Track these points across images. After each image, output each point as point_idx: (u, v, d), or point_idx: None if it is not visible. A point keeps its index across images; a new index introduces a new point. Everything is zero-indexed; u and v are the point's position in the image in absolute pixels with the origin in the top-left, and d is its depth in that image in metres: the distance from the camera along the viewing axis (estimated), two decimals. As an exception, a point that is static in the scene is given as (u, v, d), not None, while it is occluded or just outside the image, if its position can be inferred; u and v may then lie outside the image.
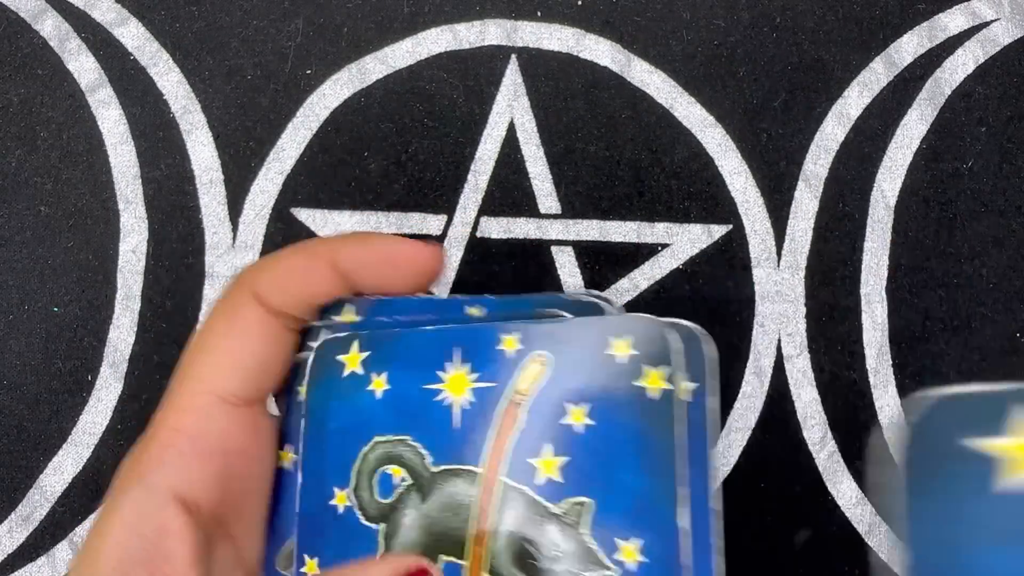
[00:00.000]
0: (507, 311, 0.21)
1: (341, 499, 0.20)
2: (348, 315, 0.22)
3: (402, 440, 0.20)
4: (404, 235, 0.34)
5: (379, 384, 0.20)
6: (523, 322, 0.20)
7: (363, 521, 0.20)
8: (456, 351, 0.20)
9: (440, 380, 0.20)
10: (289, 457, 0.23)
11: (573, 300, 0.21)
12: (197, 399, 0.21)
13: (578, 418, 0.19)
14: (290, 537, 0.22)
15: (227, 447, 0.21)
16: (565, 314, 0.21)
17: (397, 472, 0.20)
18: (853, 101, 0.35)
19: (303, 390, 0.22)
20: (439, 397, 0.19)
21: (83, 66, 0.35)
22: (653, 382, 0.19)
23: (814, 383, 0.33)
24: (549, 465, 0.19)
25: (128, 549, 0.19)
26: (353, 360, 0.21)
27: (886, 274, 0.34)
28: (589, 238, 0.34)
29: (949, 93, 0.35)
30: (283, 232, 0.34)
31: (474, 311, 0.21)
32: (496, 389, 0.19)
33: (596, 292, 0.24)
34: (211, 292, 0.34)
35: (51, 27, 0.36)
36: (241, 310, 0.22)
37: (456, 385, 0.19)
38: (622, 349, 0.19)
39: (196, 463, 0.21)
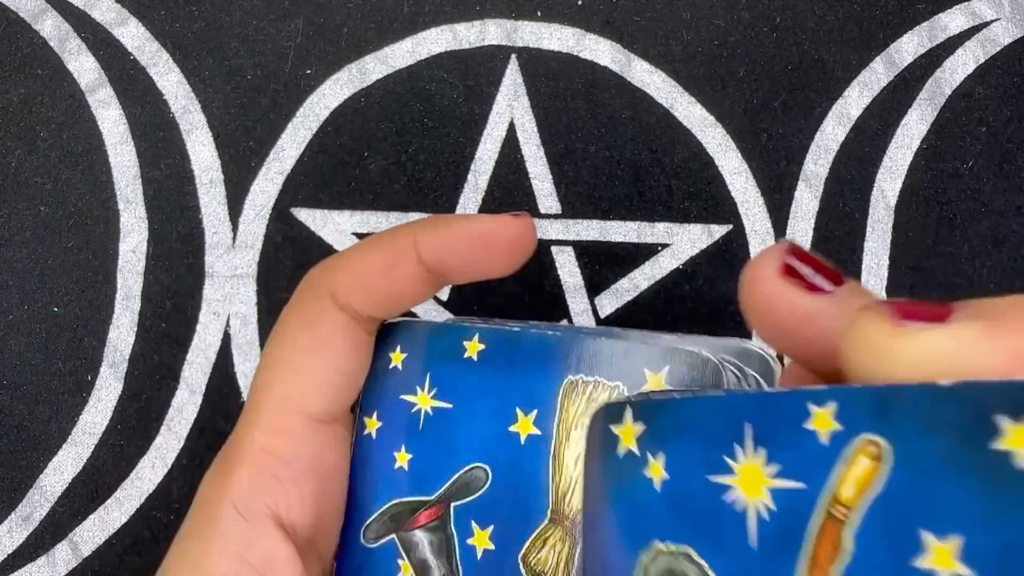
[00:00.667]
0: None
1: None
2: (474, 344, 0.22)
3: (686, 554, 0.14)
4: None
5: (657, 471, 0.14)
6: (838, 386, 0.12)
7: None
8: (747, 429, 0.13)
9: (730, 470, 0.13)
10: (373, 424, 0.22)
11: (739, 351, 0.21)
12: (287, 420, 0.20)
13: (943, 560, 0.10)
14: (377, 507, 0.21)
15: (319, 469, 0.20)
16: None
17: None
18: (853, 101, 0.35)
19: (394, 356, 0.22)
20: (729, 496, 0.13)
21: (83, 66, 0.35)
22: None
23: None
24: None
25: None
26: (628, 435, 0.15)
27: (886, 274, 0.34)
28: (589, 238, 0.34)
29: (949, 93, 0.35)
30: (283, 232, 0.34)
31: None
32: (805, 495, 0.12)
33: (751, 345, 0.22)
34: (211, 292, 0.34)
35: (51, 27, 0.35)
36: (323, 319, 0.20)
37: (750, 481, 0.13)
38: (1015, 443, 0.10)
39: (292, 488, 0.20)
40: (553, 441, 0.20)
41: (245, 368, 0.33)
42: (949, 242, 0.34)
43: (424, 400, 0.22)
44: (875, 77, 0.35)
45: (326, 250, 0.34)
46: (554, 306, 0.33)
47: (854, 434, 0.12)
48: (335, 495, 0.21)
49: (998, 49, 0.35)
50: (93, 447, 0.33)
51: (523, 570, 0.19)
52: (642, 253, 0.34)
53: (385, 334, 0.23)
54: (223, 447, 0.21)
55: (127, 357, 0.33)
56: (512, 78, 0.35)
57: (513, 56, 0.35)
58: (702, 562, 0.13)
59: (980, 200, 0.34)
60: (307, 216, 0.34)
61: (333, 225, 0.34)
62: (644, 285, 0.33)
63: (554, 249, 0.34)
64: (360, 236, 0.34)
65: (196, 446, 0.33)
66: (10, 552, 0.32)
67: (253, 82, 0.35)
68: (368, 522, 0.22)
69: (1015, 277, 0.33)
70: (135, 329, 0.34)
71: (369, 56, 0.35)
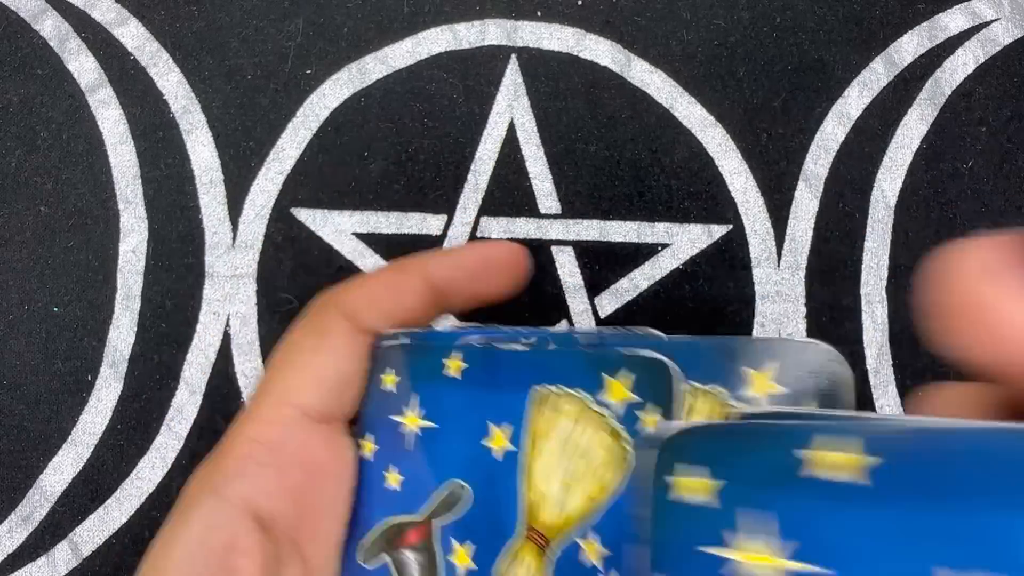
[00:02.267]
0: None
1: None
2: (455, 362, 0.22)
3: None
4: (408, 235, 0.34)
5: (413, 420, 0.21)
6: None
7: None
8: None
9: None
10: (370, 447, 0.22)
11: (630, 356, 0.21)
12: (279, 411, 0.21)
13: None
14: (372, 527, 0.22)
15: (306, 462, 0.21)
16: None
17: None
18: (853, 101, 0.35)
19: (386, 379, 0.22)
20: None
21: (83, 66, 0.35)
22: None
23: (814, 383, 0.33)
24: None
25: (193, 562, 0.19)
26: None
27: (886, 274, 0.34)
28: (589, 238, 0.34)
29: (949, 93, 0.35)
30: (283, 232, 0.34)
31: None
32: None
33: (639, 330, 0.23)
34: (211, 291, 0.34)
35: (51, 27, 0.35)
36: (331, 328, 0.22)
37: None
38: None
39: (274, 475, 0.20)
40: (523, 454, 0.20)
41: (245, 368, 0.33)
42: (949, 242, 0.34)
43: (412, 420, 0.22)
44: (875, 77, 0.35)
45: (326, 250, 0.34)
46: (554, 306, 0.33)
47: None
48: (322, 495, 0.21)
49: (998, 49, 0.35)
50: (93, 447, 0.33)
51: None
52: (642, 253, 0.34)
53: (379, 357, 0.23)
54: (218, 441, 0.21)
55: (127, 357, 0.33)
56: (512, 78, 0.35)
57: (513, 56, 0.35)
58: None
59: (980, 200, 0.34)
60: (307, 216, 0.34)
61: (333, 225, 0.34)
62: (644, 285, 0.33)
63: (554, 249, 0.34)
64: (360, 236, 0.34)
65: (196, 446, 0.33)
66: (10, 552, 0.32)
67: (253, 82, 0.35)
68: (363, 542, 0.22)
69: (1015, 277, 0.33)
70: (135, 329, 0.34)
71: (369, 56, 0.35)
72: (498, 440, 0.20)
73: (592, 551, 0.18)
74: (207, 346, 0.33)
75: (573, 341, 0.21)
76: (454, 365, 0.21)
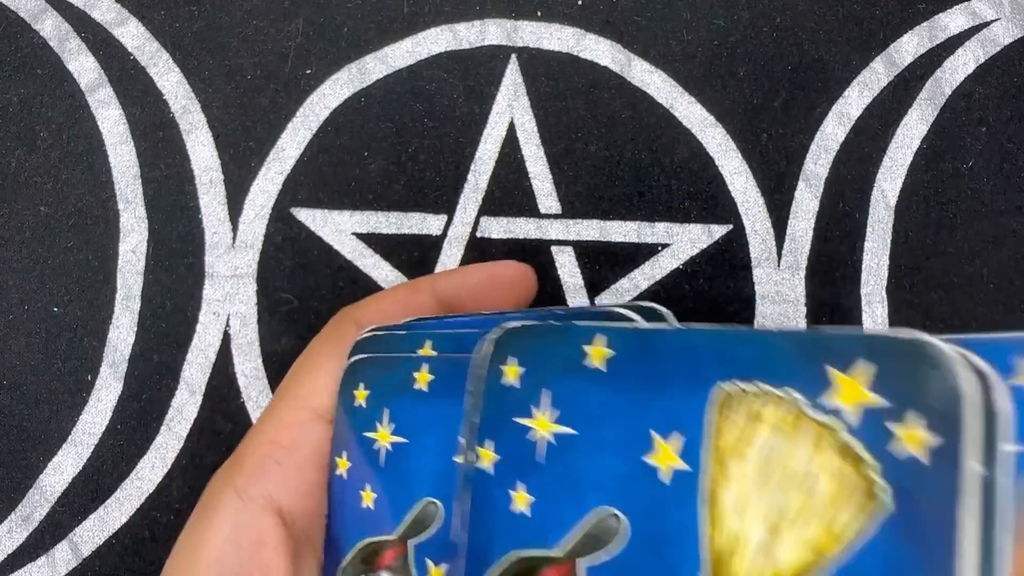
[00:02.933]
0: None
1: None
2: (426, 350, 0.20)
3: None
4: (408, 235, 0.34)
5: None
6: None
7: None
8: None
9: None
10: (344, 465, 0.22)
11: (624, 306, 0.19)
12: (296, 414, 0.21)
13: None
14: (349, 550, 0.21)
15: (322, 461, 0.21)
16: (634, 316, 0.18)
17: None
18: (853, 101, 0.35)
19: (358, 394, 0.21)
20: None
21: (83, 66, 0.35)
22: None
23: (814, 383, 0.33)
24: None
25: (225, 561, 0.19)
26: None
27: (886, 274, 0.34)
28: (589, 238, 0.34)
29: (949, 93, 0.35)
30: (283, 232, 0.34)
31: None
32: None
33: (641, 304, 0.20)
34: (211, 292, 0.34)
35: (51, 27, 0.35)
36: (345, 336, 0.22)
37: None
38: None
39: (294, 473, 0.21)
40: (705, 476, 0.15)
41: (245, 368, 0.33)
42: (949, 242, 0.34)
43: (544, 425, 0.17)
44: (875, 77, 0.35)
45: (326, 250, 0.34)
46: (554, 306, 0.33)
47: None
48: None
49: (998, 49, 0.35)
50: (93, 447, 0.33)
51: None
52: (642, 253, 0.34)
53: (351, 371, 0.21)
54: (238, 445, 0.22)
55: (127, 357, 0.33)
56: (512, 78, 0.35)
57: (513, 56, 0.35)
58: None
59: (980, 200, 0.34)
60: (307, 216, 0.34)
61: (333, 225, 0.34)
62: (644, 285, 0.33)
63: (554, 249, 0.34)
64: (360, 236, 0.34)
65: (196, 446, 0.33)
66: (10, 552, 0.32)
67: (253, 82, 0.35)
68: (343, 564, 0.21)
69: (1015, 277, 0.33)
70: (135, 329, 0.34)
71: (369, 56, 0.35)
72: (665, 456, 0.15)
73: None
74: (207, 346, 0.33)
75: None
76: (597, 353, 0.17)
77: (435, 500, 0.19)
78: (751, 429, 0.14)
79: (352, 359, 0.22)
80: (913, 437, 0.12)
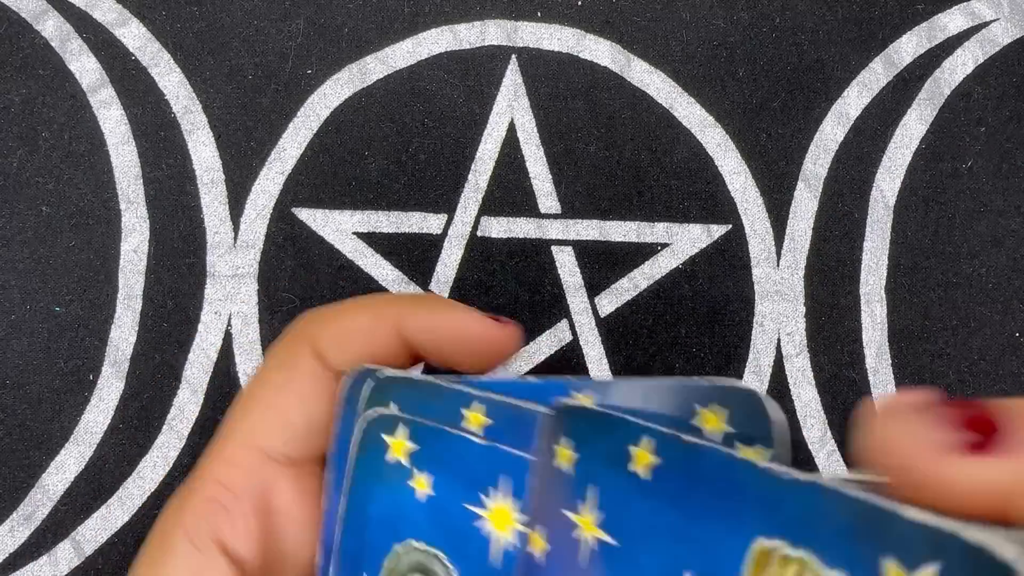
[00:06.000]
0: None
1: None
2: (476, 415, 0.18)
3: (437, 555, 0.17)
4: (409, 235, 0.34)
5: (422, 485, 0.17)
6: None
7: None
8: (505, 481, 0.16)
9: (483, 505, 0.16)
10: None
11: (711, 388, 0.16)
12: (244, 453, 0.21)
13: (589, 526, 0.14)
14: None
15: (270, 507, 0.20)
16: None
17: None
18: (853, 101, 0.35)
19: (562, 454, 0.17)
20: (479, 524, 0.16)
21: (84, 66, 0.35)
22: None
23: (813, 382, 0.33)
24: None
25: None
26: (399, 447, 0.18)
27: (885, 274, 0.34)
28: (589, 238, 0.34)
29: (948, 93, 0.35)
30: (284, 231, 0.34)
31: (583, 399, 0.17)
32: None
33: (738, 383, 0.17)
34: (213, 291, 0.34)
35: (52, 27, 0.36)
36: (299, 364, 0.21)
37: (500, 520, 0.16)
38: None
39: (240, 520, 0.20)
40: None
41: (246, 367, 0.34)
42: (948, 242, 0.34)
43: (588, 527, 0.15)
44: (874, 77, 0.35)
45: (327, 249, 0.34)
46: (554, 306, 0.33)
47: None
48: (289, 540, 0.21)
49: (997, 49, 0.35)
50: (95, 446, 0.33)
51: None
52: (642, 253, 0.34)
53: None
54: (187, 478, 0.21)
55: (129, 356, 0.34)
56: (512, 78, 0.35)
57: (513, 56, 0.35)
58: (449, 566, 0.17)
59: (979, 200, 0.34)
60: (308, 216, 0.34)
61: (334, 224, 0.34)
62: (644, 285, 0.33)
63: (554, 249, 0.34)
64: (361, 235, 0.34)
65: (198, 445, 0.33)
66: (12, 551, 0.32)
67: (254, 82, 0.35)
68: None
69: (1014, 277, 0.33)
70: (136, 328, 0.34)
71: (370, 56, 0.35)
72: None
73: None
74: (208, 345, 0.34)
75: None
76: (642, 458, 0.15)
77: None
78: None
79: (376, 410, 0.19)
80: None
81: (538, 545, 0.16)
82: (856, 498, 0.12)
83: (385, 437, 0.18)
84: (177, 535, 0.20)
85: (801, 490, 0.12)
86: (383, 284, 0.34)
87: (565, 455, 0.16)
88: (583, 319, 0.33)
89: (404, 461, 0.18)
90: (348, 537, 0.19)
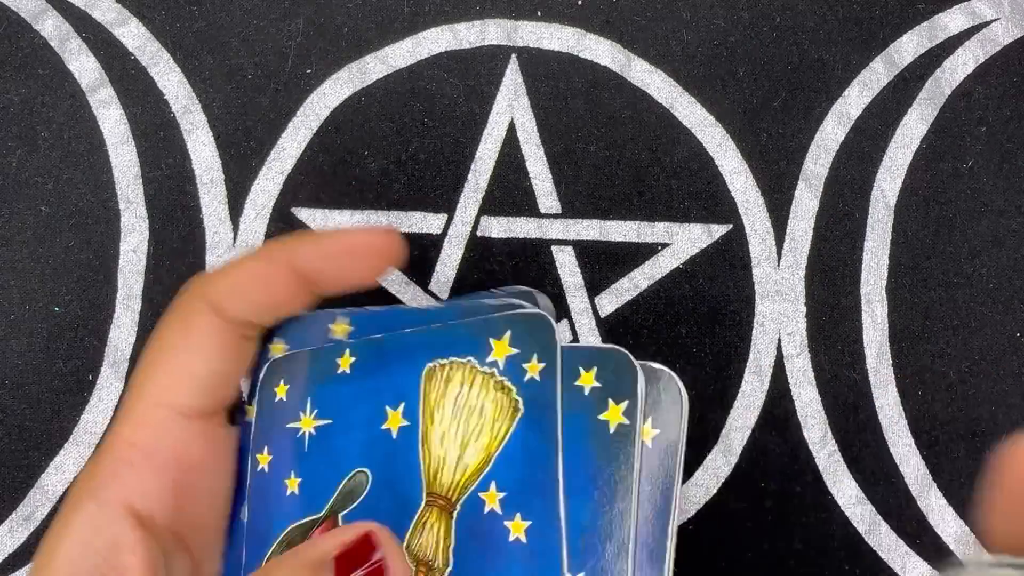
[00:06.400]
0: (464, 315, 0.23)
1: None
2: (341, 326, 0.23)
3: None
4: (404, 234, 0.34)
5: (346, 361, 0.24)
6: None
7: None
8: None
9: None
10: (266, 459, 0.23)
11: (499, 303, 0.23)
12: (152, 412, 0.21)
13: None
14: (274, 537, 0.22)
15: (183, 461, 0.21)
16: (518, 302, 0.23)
17: None
18: (853, 101, 0.35)
19: (279, 389, 0.23)
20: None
21: (84, 66, 0.35)
22: (613, 416, 0.20)
23: (814, 383, 0.33)
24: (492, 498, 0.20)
25: (80, 564, 0.19)
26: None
27: (886, 274, 0.34)
28: (589, 238, 0.34)
29: (949, 93, 0.35)
30: (284, 231, 0.34)
31: (338, 327, 0.24)
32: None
33: (521, 288, 0.26)
34: (212, 292, 0.34)
35: (51, 27, 0.36)
36: (195, 320, 0.21)
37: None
38: (587, 380, 0.21)
39: (150, 476, 0.20)
40: (420, 426, 0.21)
41: (246, 368, 0.34)
42: (949, 242, 0.34)
43: (307, 423, 0.22)
44: (875, 77, 0.35)
45: (326, 250, 0.34)
46: (554, 305, 0.33)
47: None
48: (203, 490, 0.22)
49: (998, 49, 0.35)
50: (94, 446, 0.33)
51: (408, 560, 0.20)
52: (642, 253, 0.34)
53: (272, 370, 0.24)
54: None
55: (128, 357, 0.34)
56: (512, 78, 0.35)
57: (513, 56, 0.35)
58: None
59: (980, 200, 0.34)
60: (308, 216, 0.34)
61: (334, 224, 0.34)
62: (644, 285, 0.33)
63: (554, 249, 0.34)
64: (360, 236, 0.34)
65: (197, 445, 0.33)
66: (11, 552, 0.32)
67: (253, 82, 0.35)
68: (268, 553, 0.22)
69: (1015, 277, 0.33)
70: (136, 329, 0.34)
71: (369, 56, 0.35)
72: (394, 420, 0.21)
73: (491, 499, 0.20)
74: (208, 346, 0.33)
75: (447, 313, 0.23)
76: (344, 362, 0.22)
77: (364, 469, 0.22)
78: (446, 388, 0.21)
79: (272, 357, 0.24)
80: (533, 367, 0.21)
81: (264, 460, 0.23)
82: (473, 320, 0.22)
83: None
84: (83, 495, 0.20)
85: (444, 331, 0.22)
86: (383, 284, 0.34)
87: (281, 389, 0.23)
88: (583, 319, 0.33)
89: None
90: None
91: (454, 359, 0.21)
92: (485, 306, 0.23)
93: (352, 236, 0.23)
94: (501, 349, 0.21)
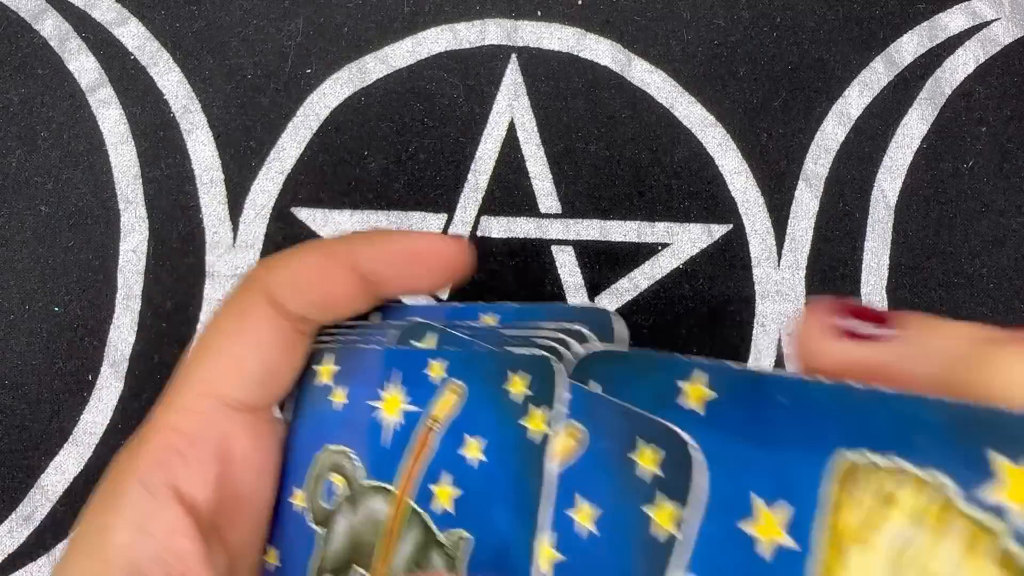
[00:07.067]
0: (521, 320, 0.20)
1: (299, 499, 0.21)
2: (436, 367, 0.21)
3: (345, 452, 0.20)
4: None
5: (339, 397, 0.21)
6: (458, 347, 0.19)
7: (309, 523, 0.21)
8: (396, 373, 0.20)
9: (380, 398, 0.20)
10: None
11: (581, 308, 0.20)
12: (200, 401, 0.21)
13: (473, 452, 0.18)
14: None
15: (227, 453, 0.21)
16: (575, 325, 0.19)
17: (339, 481, 0.20)
18: (853, 101, 0.35)
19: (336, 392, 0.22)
20: (376, 414, 0.20)
21: (83, 66, 0.35)
22: (536, 424, 0.17)
23: (814, 383, 0.33)
24: (444, 494, 0.18)
25: (139, 549, 0.19)
26: (325, 372, 0.21)
27: (886, 274, 0.34)
28: (589, 237, 0.34)
29: (949, 93, 0.35)
30: (283, 231, 0.34)
31: (488, 319, 0.20)
32: (420, 414, 0.19)
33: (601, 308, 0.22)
34: (212, 291, 0.34)
35: (51, 27, 0.36)
36: (252, 311, 0.21)
37: (391, 405, 0.20)
38: (518, 387, 0.17)
39: (196, 466, 0.20)
40: (815, 563, 0.12)
41: (246, 368, 0.34)
42: (949, 242, 0.34)
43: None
44: (875, 77, 0.35)
45: (326, 250, 0.34)
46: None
47: (451, 378, 0.19)
48: (244, 485, 0.21)
49: (998, 49, 0.35)
50: (94, 446, 0.33)
51: None
52: (642, 252, 0.34)
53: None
54: (140, 426, 0.21)
55: (128, 356, 0.34)
56: (512, 78, 0.35)
57: (513, 56, 0.35)
58: (354, 458, 0.20)
59: (980, 200, 0.34)
60: (307, 215, 0.34)
61: (334, 224, 0.34)
62: (644, 284, 0.33)
63: (554, 249, 0.34)
64: (360, 236, 0.34)
65: (197, 445, 0.33)
66: (12, 551, 0.32)
67: (253, 82, 0.35)
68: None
69: (1015, 277, 0.33)
70: (136, 329, 0.34)
71: (369, 56, 0.35)
72: (768, 527, 0.13)
73: None
74: (208, 346, 0.33)
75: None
76: (695, 393, 0.14)
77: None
78: (881, 513, 0.11)
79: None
80: None
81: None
82: (949, 402, 0.11)
83: (315, 367, 0.22)
84: (130, 480, 0.20)
85: (884, 399, 0.12)
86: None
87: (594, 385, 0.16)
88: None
89: (328, 381, 0.21)
90: (289, 456, 0.22)
91: (902, 462, 0.11)
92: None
93: (417, 241, 0.22)
94: (1022, 487, 0.11)
